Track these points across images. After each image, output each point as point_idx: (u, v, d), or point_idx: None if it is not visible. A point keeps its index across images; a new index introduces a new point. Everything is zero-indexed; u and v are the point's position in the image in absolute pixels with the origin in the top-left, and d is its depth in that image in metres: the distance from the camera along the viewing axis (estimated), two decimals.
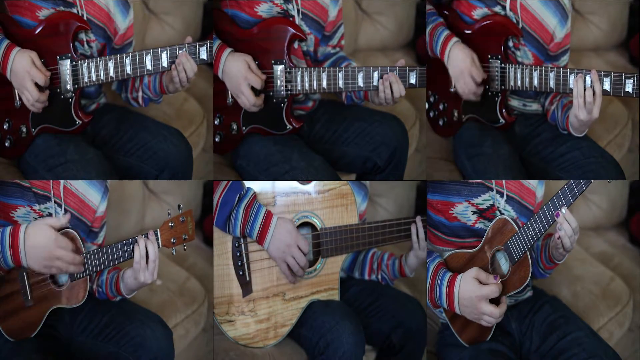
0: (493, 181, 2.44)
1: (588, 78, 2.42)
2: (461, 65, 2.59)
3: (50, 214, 2.39)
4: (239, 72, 2.55)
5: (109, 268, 2.41)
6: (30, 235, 2.21)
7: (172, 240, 2.31)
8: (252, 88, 2.57)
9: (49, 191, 2.40)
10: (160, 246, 2.30)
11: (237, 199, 2.40)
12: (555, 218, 2.22)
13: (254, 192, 2.44)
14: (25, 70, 2.44)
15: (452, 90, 2.71)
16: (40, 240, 2.21)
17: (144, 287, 2.37)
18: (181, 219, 2.31)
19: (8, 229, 2.21)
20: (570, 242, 2.25)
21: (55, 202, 2.40)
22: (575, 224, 2.23)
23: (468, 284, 2.34)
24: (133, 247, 2.28)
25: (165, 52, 2.52)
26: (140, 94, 2.66)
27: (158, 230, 2.30)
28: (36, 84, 2.46)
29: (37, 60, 2.46)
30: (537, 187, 2.49)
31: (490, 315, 2.32)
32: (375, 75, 2.59)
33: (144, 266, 2.28)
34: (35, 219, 2.38)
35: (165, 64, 2.53)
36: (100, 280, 2.45)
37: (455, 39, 2.61)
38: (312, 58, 2.70)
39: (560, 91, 2.53)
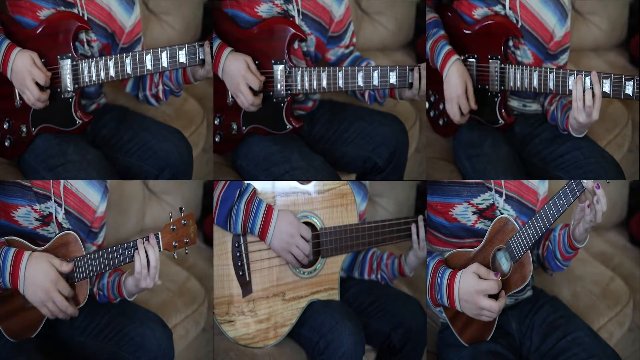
0: (492, 181, 2.44)
1: (588, 80, 2.42)
2: (452, 92, 2.59)
3: (50, 214, 2.39)
4: (238, 71, 2.55)
5: (109, 271, 2.42)
6: (32, 266, 2.26)
7: (173, 243, 2.30)
8: (251, 88, 2.58)
9: (49, 190, 2.40)
10: (162, 249, 2.30)
11: (237, 194, 2.40)
12: (596, 189, 2.20)
13: (254, 188, 2.44)
14: (26, 69, 2.45)
15: None
16: (40, 276, 2.27)
17: (146, 290, 2.38)
18: (183, 221, 2.30)
19: (12, 251, 2.26)
20: (602, 213, 2.23)
21: (55, 201, 2.40)
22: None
23: (468, 278, 2.35)
24: (134, 251, 2.28)
25: (165, 52, 2.52)
26: (160, 87, 2.66)
27: (159, 233, 2.30)
28: (37, 83, 2.47)
29: (37, 60, 2.47)
30: (539, 185, 2.49)
31: (489, 309, 2.33)
32: (375, 74, 2.59)
33: (145, 274, 2.28)
34: (36, 218, 2.39)
35: (165, 64, 2.53)
36: (101, 283, 2.45)
37: (454, 57, 2.58)
38: (312, 59, 2.70)
39: (560, 92, 2.53)
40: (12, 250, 2.27)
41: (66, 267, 2.30)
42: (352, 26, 2.77)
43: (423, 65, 2.58)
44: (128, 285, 2.38)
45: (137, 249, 2.27)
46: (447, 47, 2.60)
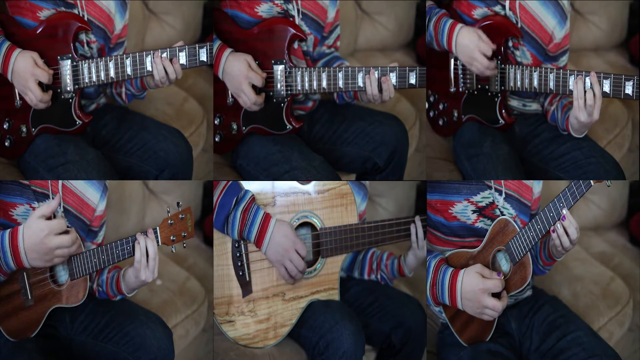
0: (492, 180, 2.45)
1: (588, 80, 2.42)
2: (470, 46, 2.58)
3: None
4: (240, 71, 2.55)
5: (109, 267, 2.42)
6: (27, 236, 2.20)
7: (171, 237, 2.31)
8: (253, 87, 2.58)
9: (47, 189, 2.40)
10: (160, 244, 2.30)
11: (234, 202, 2.40)
12: (562, 221, 2.22)
13: (252, 195, 2.44)
14: (28, 71, 2.45)
15: (452, 90, 2.72)
16: (36, 237, 2.20)
17: (145, 285, 2.37)
18: (180, 216, 2.31)
19: (7, 233, 2.21)
20: (572, 243, 2.26)
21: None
22: (576, 225, 2.24)
23: (472, 277, 2.35)
24: (133, 246, 2.28)
25: (165, 53, 2.52)
26: (123, 89, 2.66)
27: (157, 228, 2.30)
28: (39, 84, 2.47)
29: (39, 60, 2.47)
30: (534, 183, 2.49)
31: (493, 308, 2.33)
32: (376, 75, 2.59)
33: (145, 265, 2.28)
34: None
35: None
36: (100, 279, 2.45)
37: (459, 25, 2.59)
38: (312, 58, 2.70)
39: (560, 92, 2.53)
40: (7, 232, 2.22)
41: (53, 202, 2.23)
42: (339, 30, 2.77)
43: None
44: (128, 277, 2.37)
45: (136, 241, 2.27)
46: (450, 21, 2.60)
